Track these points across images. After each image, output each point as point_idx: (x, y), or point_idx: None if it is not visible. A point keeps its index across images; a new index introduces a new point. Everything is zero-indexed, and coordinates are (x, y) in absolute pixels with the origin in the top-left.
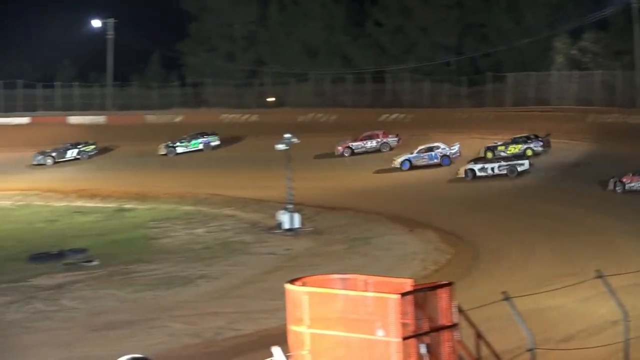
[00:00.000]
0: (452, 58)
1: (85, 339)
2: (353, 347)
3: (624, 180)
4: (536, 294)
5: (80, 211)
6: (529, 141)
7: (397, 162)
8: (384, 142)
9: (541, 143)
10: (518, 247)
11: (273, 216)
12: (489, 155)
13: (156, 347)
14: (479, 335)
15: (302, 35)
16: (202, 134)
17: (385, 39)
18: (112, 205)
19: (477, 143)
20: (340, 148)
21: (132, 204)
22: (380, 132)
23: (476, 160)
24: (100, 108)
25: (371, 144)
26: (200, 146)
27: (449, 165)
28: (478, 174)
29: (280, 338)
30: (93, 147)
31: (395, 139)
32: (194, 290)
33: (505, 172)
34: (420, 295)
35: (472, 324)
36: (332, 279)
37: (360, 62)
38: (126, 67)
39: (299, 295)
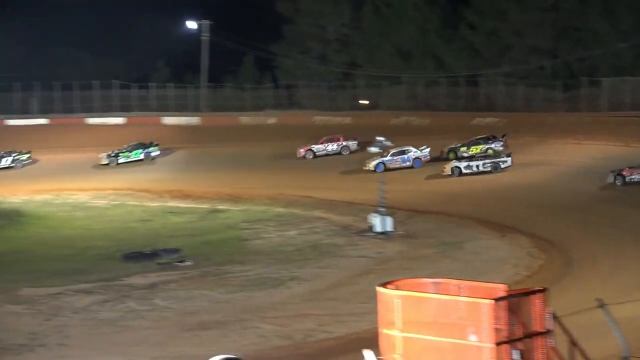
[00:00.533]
0: (547, 62)
1: (178, 338)
2: (445, 351)
3: (624, 173)
4: (631, 301)
5: (173, 211)
6: (489, 141)
7: (372, 165)
8: (345, 146)
9: (501, 143)
10: (611, 253)
11: (364, 219)
12: (452, 155)
13: (247, 348)
14: (573, 343)
15: (395, 38)
16: (143, 145)
17: (479, 42)
18: (205, 206)
19: (572, 148)
20: (302, 151)
21: (225, 205)
22: (340, 136)
23: (459, 158)
24: (194, 109)
25: (332, 147)
26: (141, 156)
27: (420, 167)
28: (464, 171)
29: (371, 341)
30: (27, 155)
31: (355, 142)
32: (286, 292)
33: (489, 168)
34: (514, 301)
35: (566, 331)
36: (424, 283)
37: (453, 65)
38: (220, 69)
39: (391, 298)
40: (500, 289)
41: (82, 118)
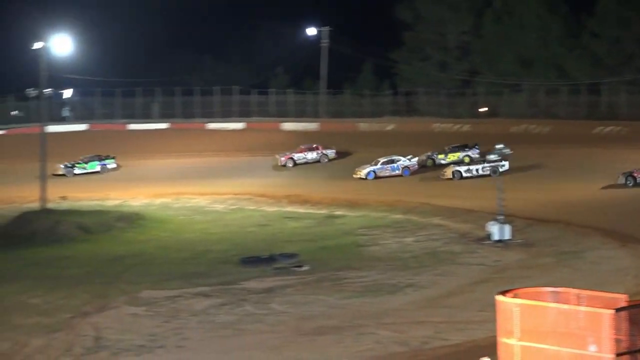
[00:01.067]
0: None
1: (294, 342)
2: None
3: (635, 174)
4: None
5: (291, 216)
6: (465, 149)
7: (363, 173)
8: (323, 154)
9: (478, 150)
10: None
11: (482, 227)
12: (429, 163)
13: (363, 354)
14: None
15: (516, 46)
16: (99, 157)
17: (601, 50)
18: (323, 211)
19: None
20: (283, 159)
21: (342, 210)
22: (319, 145)
23: (459, 163)
24: (313, 115)
25: (312, 155)
26: (98, 168)
27: (409, 175)
28: (464, 174)
29: (489, 349)
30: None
31: (333, 151)
32: (402, 298)
33: (488, 172)
34: (635, 311)
35: None
36: (543, 292)
37: (575, 74)
38: (339, 75)
39: (510, 307)
40: (621, 300)
41: (202, 123)
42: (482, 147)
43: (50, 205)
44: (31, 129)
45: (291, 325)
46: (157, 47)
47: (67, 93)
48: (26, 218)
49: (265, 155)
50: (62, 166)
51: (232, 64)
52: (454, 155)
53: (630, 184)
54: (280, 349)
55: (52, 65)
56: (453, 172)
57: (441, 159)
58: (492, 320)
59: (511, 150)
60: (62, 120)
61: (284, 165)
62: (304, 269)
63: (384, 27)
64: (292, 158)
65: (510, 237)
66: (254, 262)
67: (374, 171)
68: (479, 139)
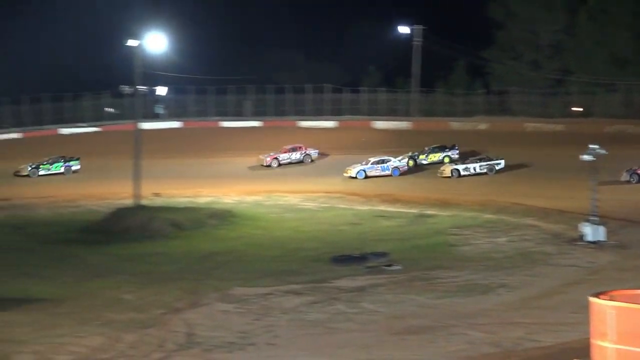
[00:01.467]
0: None
1: (385, 342)
2: None
3: (639, 171)
4: None
5: (382, 215)
6: (445, 150)
7: (353, 172)
8: (307, 154)
9: (457, 151)
10: None
11: (576, 228)
12: (411, 163)
13: (455, 354)
14: None
15: (610, 45)
16: (63, 158)
17: None
18: (414, 210)
19: None
20: (268, 159)
21: (434, 210)
22: (302, 145)
23: (455, 161)
24: (404, 114)
25: (296, 155)
26: (62, 169)
27: (398, 175)
28: (462, 173)
29: (581, 352)
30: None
31: (316, 151)
32: (494, 299)
33: (485, 170)
34: None
35: None
36: (639, 294)
37: None
38: (431, 74)
39: (605, 309)
40: None
41: (294, 121)
42: (577, 147)
43: (143, 201)
44: (125, 126)
45: (382, 324)
46: (250, 45)
47: (161, 90)
48: (120, 214)
49: (356, 153)
50: (28, 167)
51: (324, 62)
52: (434, 156)
53: (634, 181)
54: (371, 348)
55: (146, 62)
56: (451, 171)
57: (422, 159)
58: (585, 322)
59: (606, 151)
60: (155, 117)
61: (269, 166)
62: (395, 268)
63: (476, 26)
64: (276, 158)
65: (604, 239)
66: (346, 260)
67: (364, 170)
68: (572, 139)
